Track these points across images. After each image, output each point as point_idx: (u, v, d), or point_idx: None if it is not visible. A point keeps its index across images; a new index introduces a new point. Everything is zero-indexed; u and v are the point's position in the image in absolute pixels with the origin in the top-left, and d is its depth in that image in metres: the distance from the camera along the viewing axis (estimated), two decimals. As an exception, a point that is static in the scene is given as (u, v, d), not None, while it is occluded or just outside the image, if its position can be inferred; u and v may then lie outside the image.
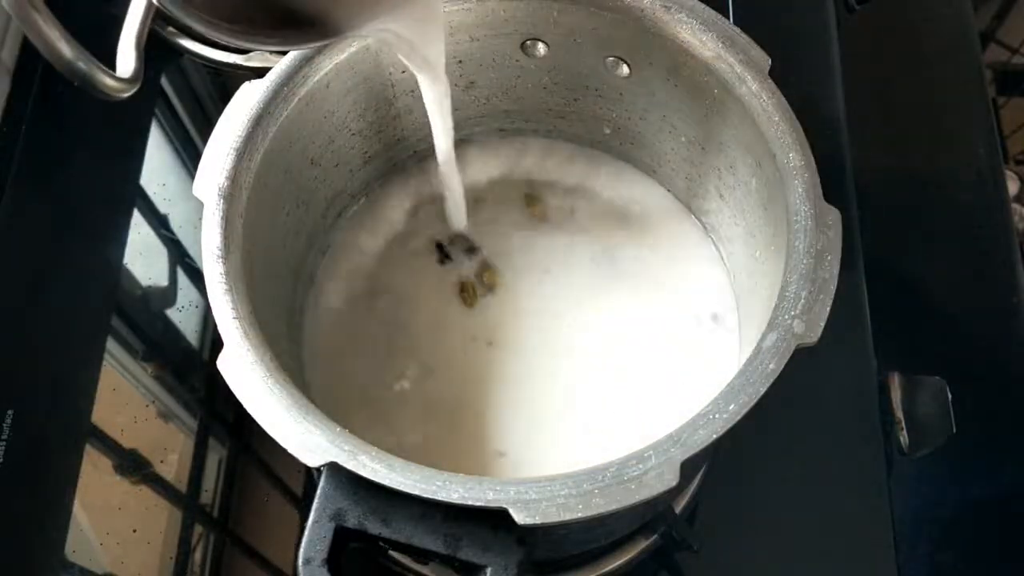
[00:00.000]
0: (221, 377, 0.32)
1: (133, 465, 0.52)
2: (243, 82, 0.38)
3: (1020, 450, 0.54)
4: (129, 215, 0.58)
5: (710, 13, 0.39)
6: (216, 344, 0.33)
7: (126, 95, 0.30)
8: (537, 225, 0.48)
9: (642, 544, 0.48)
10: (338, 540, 0.30)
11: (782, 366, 0.32)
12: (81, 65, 0.28)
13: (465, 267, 0.47)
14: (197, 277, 0.58)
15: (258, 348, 0.33)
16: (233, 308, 0.33)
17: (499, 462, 0.41)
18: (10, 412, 0.50)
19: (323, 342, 0.45)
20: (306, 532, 0.30)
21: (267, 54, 0.61)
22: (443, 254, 0.47)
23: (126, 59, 0.32)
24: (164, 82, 0.65)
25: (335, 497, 0.30)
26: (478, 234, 0.48)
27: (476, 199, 0.48)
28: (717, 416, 0.31)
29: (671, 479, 0.30)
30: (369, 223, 0.48)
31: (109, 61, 0.61)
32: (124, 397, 0.53)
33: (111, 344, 0.54)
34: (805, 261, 0.34)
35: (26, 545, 0.48)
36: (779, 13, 0.65)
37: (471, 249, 0.47)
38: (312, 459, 0.30)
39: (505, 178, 0.49)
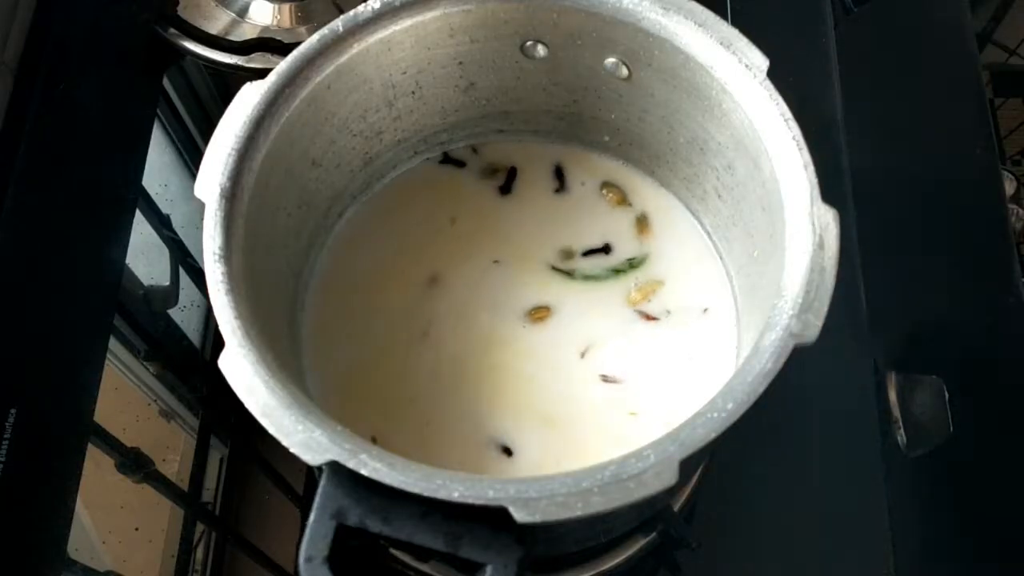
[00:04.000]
0: (222, 376, 0.32)
1: (135, 464, 0.53)
2: (244, 83, 0.38)
3: (1017, 449, 0.54)
4: (131, 215, 0.58)
5: (709, 15, 0.39)
6: (217, 343, 0.33)
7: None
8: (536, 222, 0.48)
9: (641, 542, 0.48)
10: (339, 538, 0.30)
11: (780, 365, 0.32)
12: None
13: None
14: (199, 277, 0.59)
15: (259, 348, 0.33)
16: (234, 308, 0.33)
17: (496, 460, 0.42)
18: (13, 411, 0.50)
19: (324, 342, 0.45)
20: (307, 530, 0.30)
21: (268, 55, 0.61)
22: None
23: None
24: (166, 83, 0.65)
25: (336, 495, 0.30)
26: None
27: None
28: (715, 415, 0.31)
29: (670, 478, 0.30)
30: (370, 223, 0.48)
31: (112, 60, 0.61)
32: (126, 396, 0.54)
33: (113, 343, 0.54)
34: (803, 261, 0.34)
35: (29, 543, 0.49)
36: (777, 15, 0.65)
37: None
38: (313, 458, 0.30)
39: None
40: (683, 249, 0.47)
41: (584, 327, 0.45)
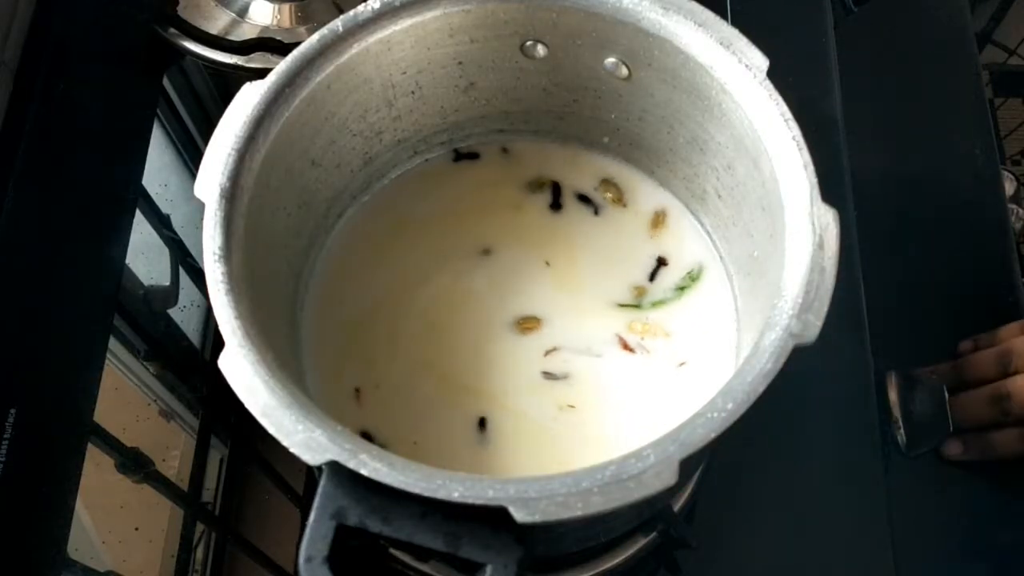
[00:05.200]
0: (222, 376, 0.32)
1: (135, 464, 0.53)
2: (244, 83, 0.38)
3: (1017, 449, 0.54)
4: (131, 215, 0.58)
5: (708, 15, 0.39)
6: (217, 343, 0.33)
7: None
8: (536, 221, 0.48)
9: (641, 542, 0.48)
10: (339, 538, 0.30)
11: (780, 365, 0.32)
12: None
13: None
14: (199, 277, 0.59)
15: (259, 348, 0.33)
16: (234, 308, 0.33)
17: (496, 459, 0.42)
18: (12, 411, 0.50)
19: (324, 342, 0.45)
20: (307, 530, 0.30)
21: (268, 55, 0.61)
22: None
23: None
24: (166, 83, 0.65)
25: (336, 495, 0.30)
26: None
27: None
28: (715, 415, 0.31)
29: (670, 478, 0.30)
30: (370, 224, 0.48)
31: (112, 60, 0.61)
32: (126, 396, 0.54)
33: (113, 343, 0.54)
34: (803, 261, 0.34)
35: (28, 544, 0.49)
36: (777, 15, 0.65)
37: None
38: (313, 458, 0.30)
39: (505, 178, 0.50)
40: (682, 250, 0.47)
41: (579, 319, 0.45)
